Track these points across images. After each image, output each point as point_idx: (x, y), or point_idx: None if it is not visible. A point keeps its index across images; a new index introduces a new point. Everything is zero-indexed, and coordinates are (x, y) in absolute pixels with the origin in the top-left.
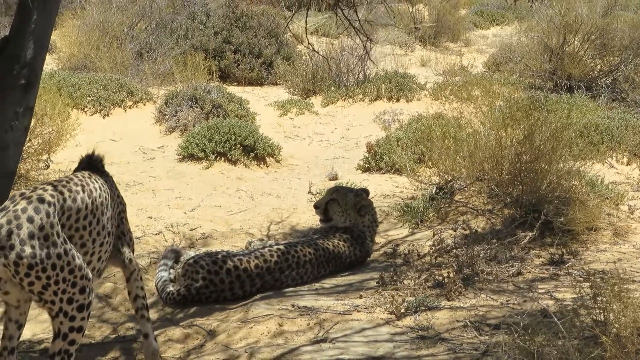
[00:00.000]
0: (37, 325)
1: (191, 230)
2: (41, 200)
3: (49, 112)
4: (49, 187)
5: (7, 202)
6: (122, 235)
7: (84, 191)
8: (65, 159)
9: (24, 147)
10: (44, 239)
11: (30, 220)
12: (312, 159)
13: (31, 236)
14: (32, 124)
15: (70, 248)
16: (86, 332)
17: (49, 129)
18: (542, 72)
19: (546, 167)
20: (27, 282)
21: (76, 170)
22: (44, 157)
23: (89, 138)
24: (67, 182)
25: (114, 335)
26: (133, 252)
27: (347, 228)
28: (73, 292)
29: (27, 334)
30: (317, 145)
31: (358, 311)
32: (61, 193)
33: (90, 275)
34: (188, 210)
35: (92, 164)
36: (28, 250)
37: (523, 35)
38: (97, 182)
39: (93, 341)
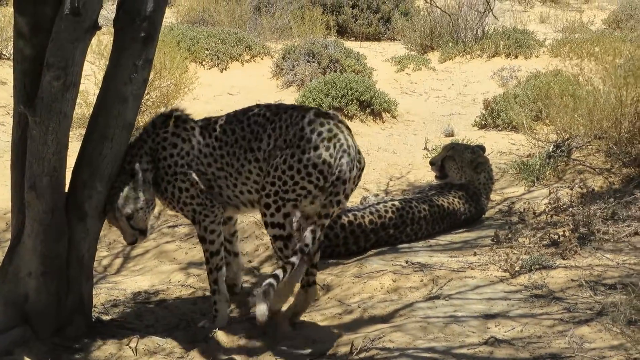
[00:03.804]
0: (154, 277)
1: None
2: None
3: (168, 66)
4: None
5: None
6: None
7: None
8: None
9: (143, 100)
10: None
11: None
12: (428, 115)
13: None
14: (151, 76)
15: None
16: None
17: (168, 82)
18: None
19: None
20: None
21: None
22: (162, 109)
23: (206, 91)
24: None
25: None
26: None
27: (462, 185)
28: None
29: (145, 285)
30: (434, 101)
31: (472, 268)
32: None
33: None
34: None
35: None
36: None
37: None
38: None
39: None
